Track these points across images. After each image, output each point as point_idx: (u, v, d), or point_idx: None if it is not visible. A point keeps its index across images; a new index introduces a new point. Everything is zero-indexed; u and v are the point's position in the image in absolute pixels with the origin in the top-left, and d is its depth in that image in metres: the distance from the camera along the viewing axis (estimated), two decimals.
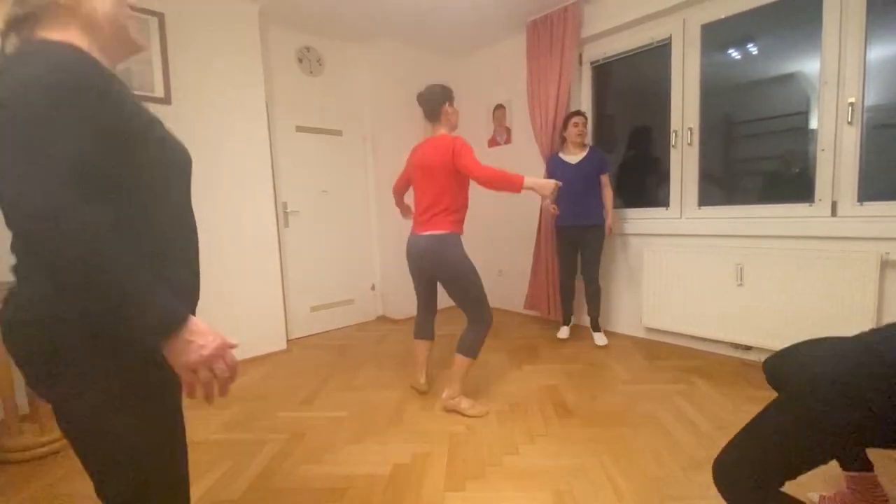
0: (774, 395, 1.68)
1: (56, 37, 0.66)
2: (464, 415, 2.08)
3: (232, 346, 0.74)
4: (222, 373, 0.71)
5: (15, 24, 0.67)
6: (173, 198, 0.77)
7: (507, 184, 1.94)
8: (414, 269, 2.21)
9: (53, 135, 0.57)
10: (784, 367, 1.16)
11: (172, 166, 0.76)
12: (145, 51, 0.78)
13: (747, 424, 1.03)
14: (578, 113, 2.95)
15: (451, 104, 2.14)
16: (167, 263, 0.75)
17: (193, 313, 0.87)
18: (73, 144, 0.58)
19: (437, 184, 2.05)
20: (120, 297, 0.60)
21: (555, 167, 3.02)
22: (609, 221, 2.96)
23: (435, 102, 2.11)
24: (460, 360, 2.08)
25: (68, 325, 0.65)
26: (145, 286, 0.62)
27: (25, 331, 0.66)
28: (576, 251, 3.06)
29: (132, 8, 0.78)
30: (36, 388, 0.69)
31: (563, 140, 3.05)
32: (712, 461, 1.05)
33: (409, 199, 2.48)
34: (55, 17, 0.67)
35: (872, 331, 0.98)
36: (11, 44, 0.67)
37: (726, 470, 1.02)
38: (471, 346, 2.07)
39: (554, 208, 2.78)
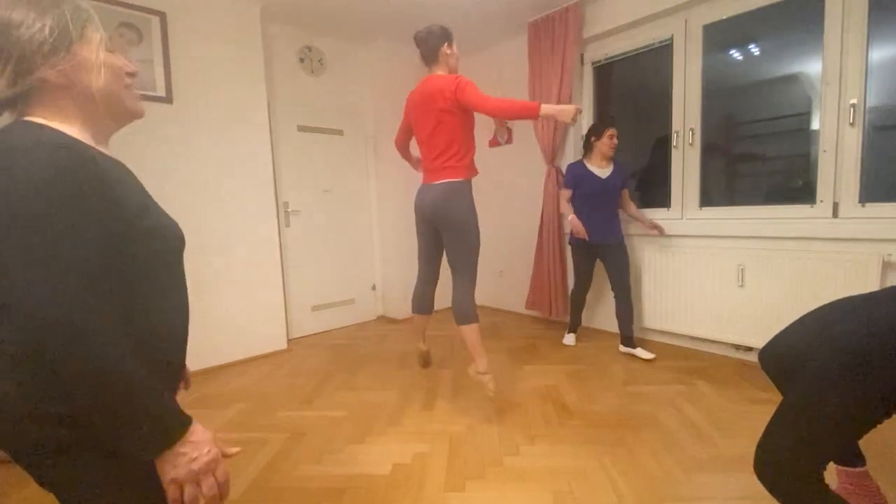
0: (775, 395, 1.67)
1: (50, 117, 0.65)
2: (486, 387, 2.02)
3: (228, 456, 0.71)
4: (210, 490, 0.66)
5: (7, 104, 0.65)
6: (166, 280, 0.75)
7: (522, 111, 1.79)
8: (423, 223, 2.16)
9: (60, 238, 0.55)
10: (792, 349, 1.13)
11: (165, 252, 0.74)
12: (143, 114, 0.77)
13: (779, 410, 1.01)
14: (613, 124, 2.77)
15: (451, 46, 2.04)
16: (160, 345, 0.73)
17: (177, 387, 0.85)
18: (79, 247, 0.57)
19: (445, 127, 1.96)
20: (124, 407, 0.58)
21: (581, 178, 2.80)
22: (654, 222, 2.84)
23: (433, 43, 2.02)
24: (468, 330, 2.02)
25: (50, 417, 0.62)
26: (152, 397, 0.61)
27: (5, 428, 0.63)
28: (594, 264, 2.98)
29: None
30: (33, 475, 0.67)
31: (591, 149, 2.81)
32: (754, 450, 1.04)
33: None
34: (48, 96, 0.65)
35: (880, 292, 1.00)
36: (2, 123, 0.65)
37: (767, 461, 1.00)
38: (472, 310, 2.03)
39: (580, 229, 2.71)
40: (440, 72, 2.03)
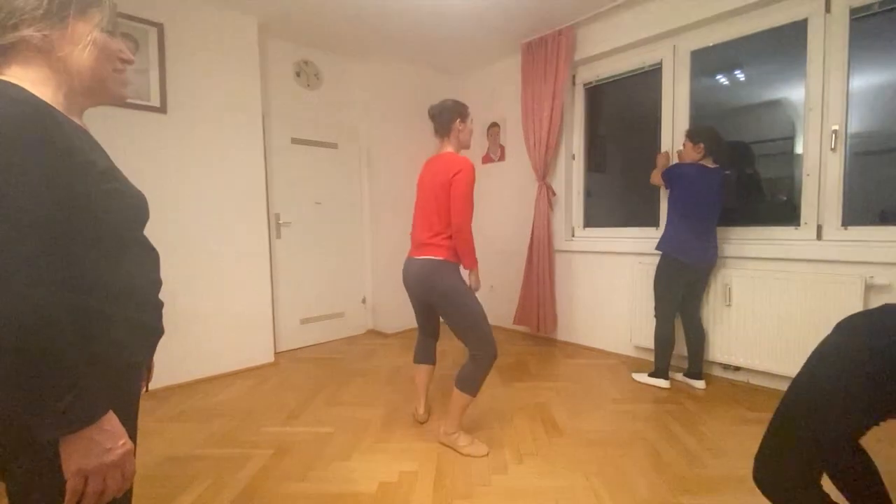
0: (764, 414, 1.67)
1: (23, 77, 0.65)
2: (460, 453, 1.90)
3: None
4: (114, 484, 0.62)
5: None
6: (128, 244, 0.74)
7: (465, 252, 1.92)
8: (410, 295, 2.10)
9: (15, 195, 0.55)
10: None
11: (126, 215, 0.74)
12: (125, 99, 0.78)
13: (775, 418, 1.03)
14: None
15: (464, 121, 2.03)
16: (129, 306, 0.72)
17: (153, 354, 0.84)
18: (32, 204, 0.56)
19: (437, 205, 1.94)
20: (50, 370, 0.55)
21: None
22: None
23: (446, 118, 2.01)
24: (458, 396, 1.92)
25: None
26: (82, 368, 0.58)
27: None
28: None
29: (124, 60, 0.76)
30: None
31: None
32: (753, 463, 1.04)
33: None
34: (28, 58, 0.66)
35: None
36: None
37: (768, 471, 1.01)
38: (470, 382, 1.88)
39: None
40: (450, 147, 2.03)
